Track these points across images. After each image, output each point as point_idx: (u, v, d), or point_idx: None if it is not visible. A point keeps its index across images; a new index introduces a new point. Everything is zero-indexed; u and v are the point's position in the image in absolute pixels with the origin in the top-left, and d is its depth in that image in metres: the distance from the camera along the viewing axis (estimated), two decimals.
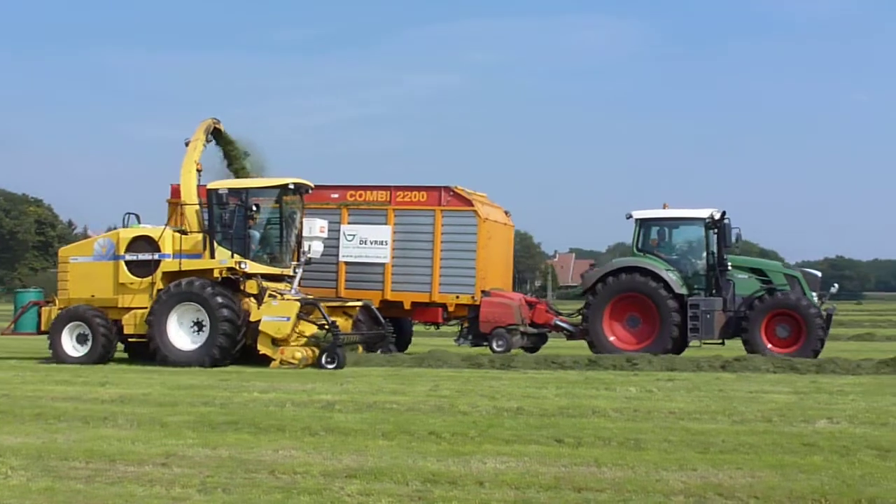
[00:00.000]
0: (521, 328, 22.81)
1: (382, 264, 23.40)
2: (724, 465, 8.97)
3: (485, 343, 22.70)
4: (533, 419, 12.03)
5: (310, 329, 20.65)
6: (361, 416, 12.37)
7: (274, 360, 19.98)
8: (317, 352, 20.05)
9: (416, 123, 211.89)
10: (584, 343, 23.10)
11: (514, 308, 22.83)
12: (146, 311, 21.06)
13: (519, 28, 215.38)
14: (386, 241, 23.34)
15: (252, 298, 20.88)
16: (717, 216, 21.94)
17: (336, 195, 23.87)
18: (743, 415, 12.20)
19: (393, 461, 9.32)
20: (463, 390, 15.15)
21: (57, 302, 22.35)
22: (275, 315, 20.19)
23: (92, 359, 21.23)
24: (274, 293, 20.85)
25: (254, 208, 21.25)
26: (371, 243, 23.42)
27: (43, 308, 22.81)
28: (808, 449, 9.79)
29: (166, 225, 21.90)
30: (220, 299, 20.34)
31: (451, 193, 23.17)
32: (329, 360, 19.56)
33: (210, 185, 21.58)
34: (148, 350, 21.16)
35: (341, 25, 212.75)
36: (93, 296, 21.82)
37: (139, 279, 21.42)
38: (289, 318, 20.11)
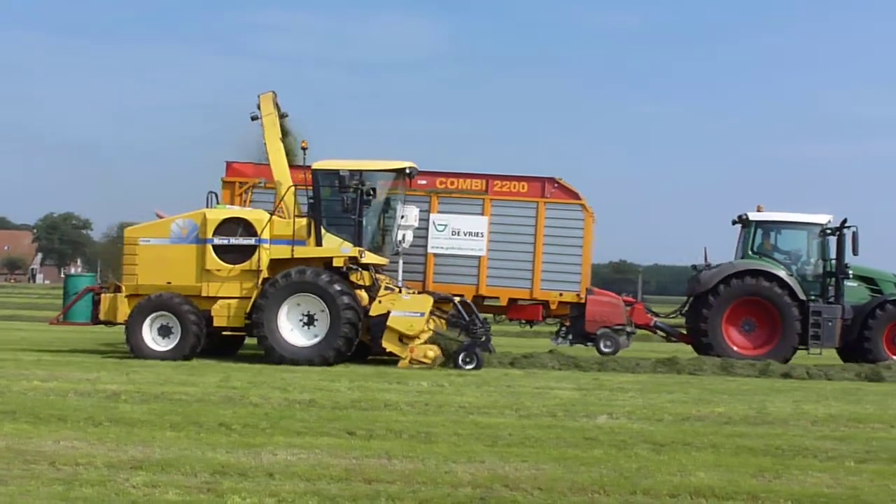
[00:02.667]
0: (628, 328, 21.76)
1: (477, 257, 21.67)
2: (511, 458, 9.25)
3: (589, 343, 21.54)
4: (325, 411, 12.05)
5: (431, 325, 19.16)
6: (148, 407, 12.07)
7: (402, 358, 18.40)
8: (439, 350, 18.73)
9: (207, 111, 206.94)
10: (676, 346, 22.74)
11: (622, 307, 21.76)
12: (238, 301, 19.19)
13: (317, 20, 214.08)
14: (482, 233, 21.63)
15: (363, 291, 19.34)
16: (834, 222, 21.74)
17: (424, 181, 21.75)
18: (529, 409, 12.60)
19: (181, 452, 9.14)
20: (255, 382, 15.01)
21: (124, 289, 19.75)
22: (406, 310, 18.66)
23: (180, 353, 18.92)
24: (391, 286, 19.54)
25: (371, 193, 19.56)
26: (465, 234, 21.64)
27: (103, 295, 20.07)
28: (589, 443, 10.21)
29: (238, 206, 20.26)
30: (342, 291, 18.72)
31: (556, 185, 21.64)
32: (467, 360, 18.30)
33: (318, 165, 19.77)
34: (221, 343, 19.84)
35: (129, 6, 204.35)
36: (169, 283, 19.41)
37: (229, 266, 19.30)
38: (423, 314, 18.66)
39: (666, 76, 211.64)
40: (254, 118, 20.58)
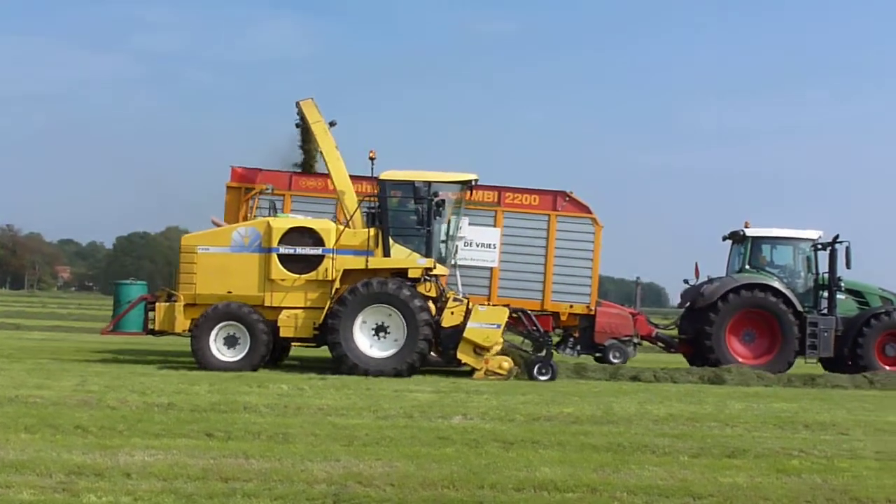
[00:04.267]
0: (635, 339, 22.26)
1: (489, 268, 21.89)
2: (366, 457, 9.55)
3: (597, 354, 21.97)
4: (184, 414, 12.12)
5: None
6: (2, 410, 11.95)
7: (477, 369, 18.50)
8: (513, 362, 18.78)
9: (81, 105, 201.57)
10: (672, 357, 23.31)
11: (630, 319, 22.26)
12: (305, 311, 18.86)
13: (191, 17, 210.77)
14: (494, 245, 21.85)
15: (430, 302, 19.04)
16: (823, 237, 22.58)
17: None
18: (387, 411, 12.92)
19: (36, 454, 9.14)
20: (112, 385, 14.91)
21: (181, 298, 19.14)
22: (483, 322, 18.60)
23: (250, 364, 18.50)
24: (458, 297, 19.31)
25: (441, 204, 19.35)
26: (477, 245, 21.82)
27: (157, 304, 19.40)
28: (442, 442, 10.59)
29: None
30: (419, 303, 18.52)
31: (567, 199, 22.01)
32: (542, 371, 18.61)
33: (386, 176, 19.28)
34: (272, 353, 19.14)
35: None
36: (229, 292, 18.95)
37: (295, 275, 18.91)
38: (499, 326, 18.69)
39: (541, 82, 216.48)
40: (298, 126, 20.38)
